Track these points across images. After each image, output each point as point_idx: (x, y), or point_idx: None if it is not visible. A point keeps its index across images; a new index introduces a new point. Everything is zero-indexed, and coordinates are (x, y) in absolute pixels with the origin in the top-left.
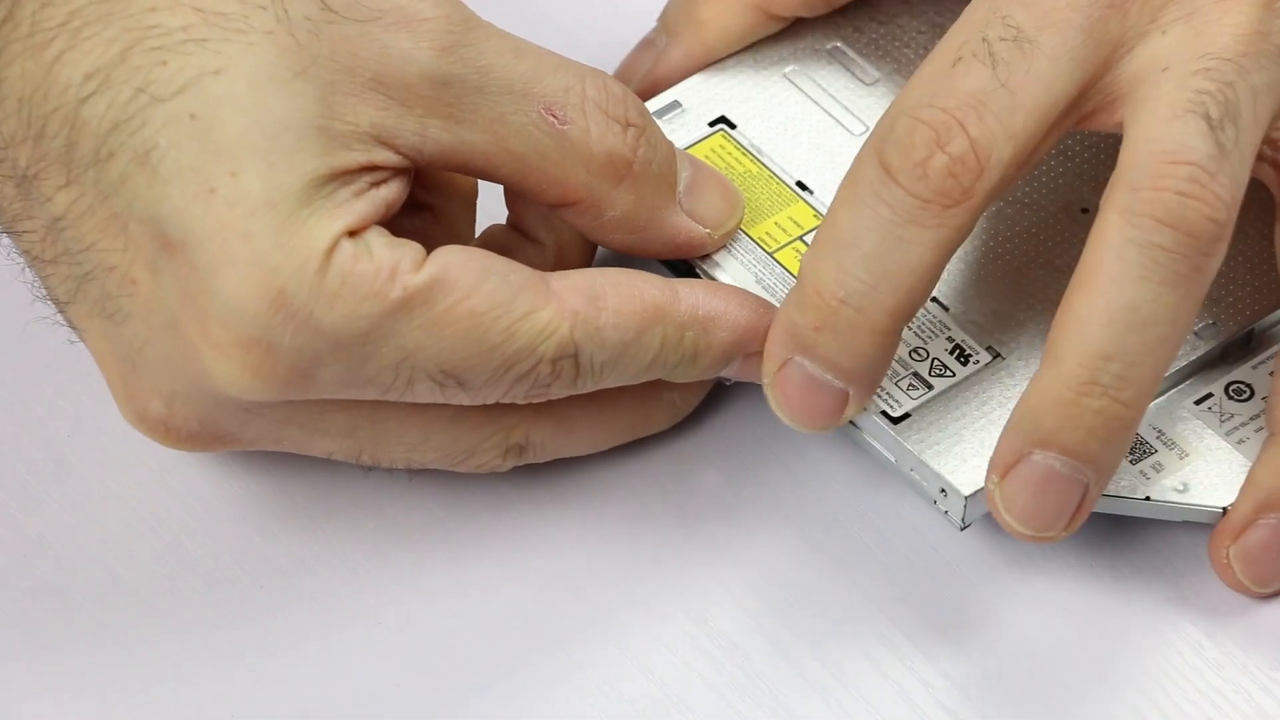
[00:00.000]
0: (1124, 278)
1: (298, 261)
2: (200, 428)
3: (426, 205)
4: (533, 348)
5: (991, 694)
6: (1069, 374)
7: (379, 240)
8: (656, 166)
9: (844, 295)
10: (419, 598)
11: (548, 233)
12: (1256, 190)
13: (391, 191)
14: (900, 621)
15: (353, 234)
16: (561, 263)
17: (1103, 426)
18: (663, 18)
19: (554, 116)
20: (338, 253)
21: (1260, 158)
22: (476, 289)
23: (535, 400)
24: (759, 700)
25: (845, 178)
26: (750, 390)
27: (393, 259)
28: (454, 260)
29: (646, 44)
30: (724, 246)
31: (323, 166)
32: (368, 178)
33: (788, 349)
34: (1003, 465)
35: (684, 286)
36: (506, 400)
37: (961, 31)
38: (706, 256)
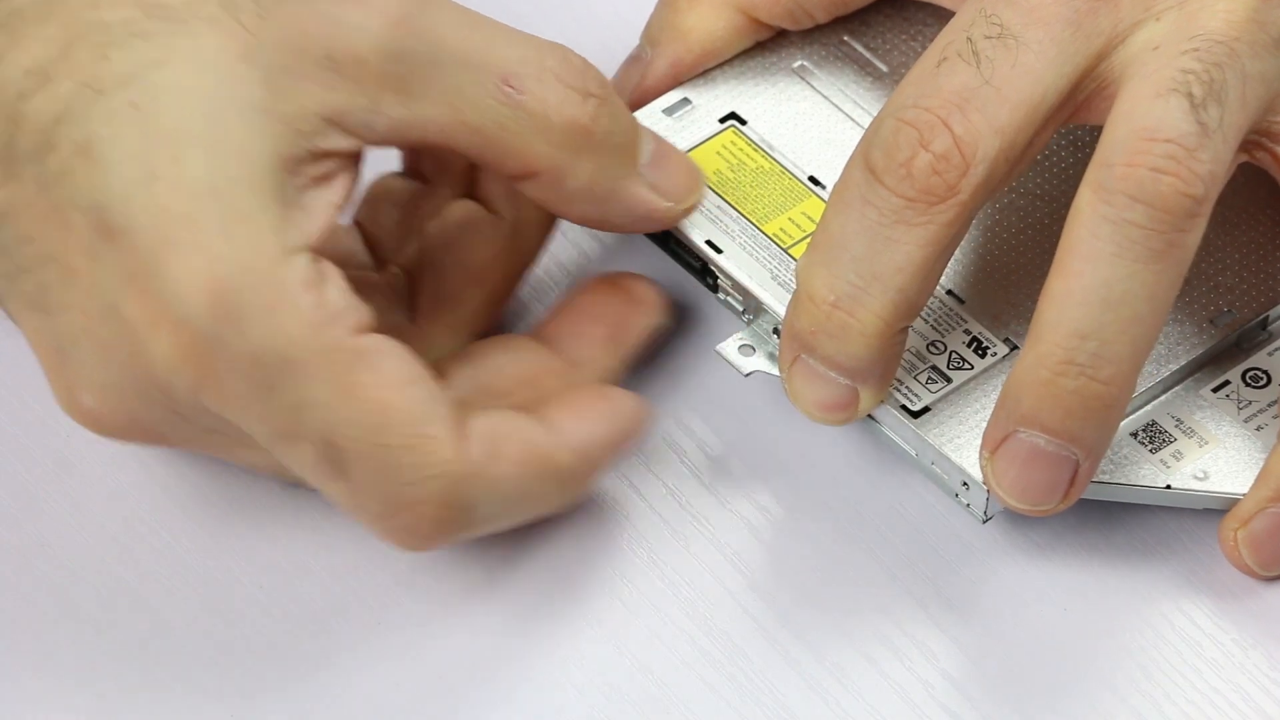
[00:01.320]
0: (1098, 255)
1: (244, 257)
2: (129, 423)
3: (419, 176)
4: (421, 474)
5: (991, 694)
6: (1046, 353)
7: (336, 284)
8: (618, 137)
9: (835, 299)
10: (418, 597)
11: (508, 207)
12: (1271, 177)
13: (336, 194)
14: (901, 622)
15: (313, 255)
16: (519, 237)
17: (1080, 406)
18: (646, 30)
19: (511, 87)
20: (291, 267)
21: (1260, 148)
22: (400, 386)
23: (416, 548)
24: (759, 700)
25: (836, 182)
26: (754, 391)
27: (338, 306)
28: (392, 350)
29: (633, 59)
30: (689, 215)
31: (268, 151)
32: (312, 170)
33: (793, 349)
34: (992, 441)
35: (563, 420)
36: (378, 529)
37: (948, 33)
38: (720, 251)
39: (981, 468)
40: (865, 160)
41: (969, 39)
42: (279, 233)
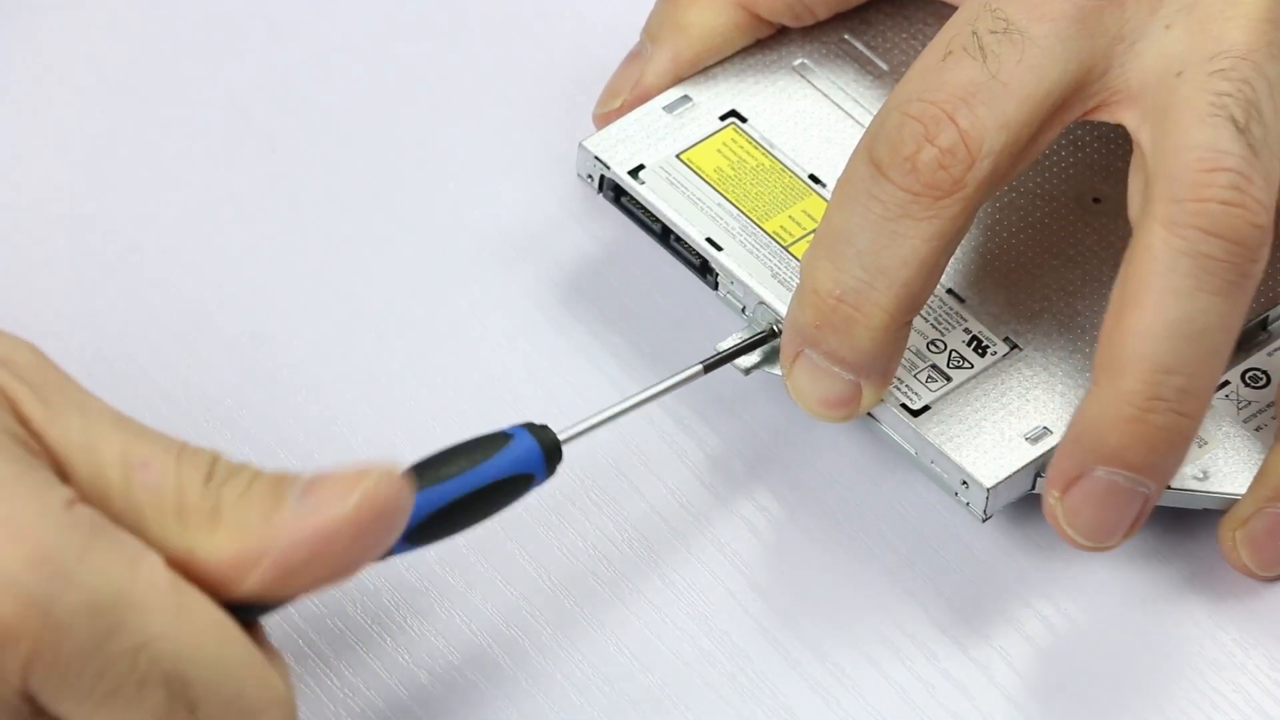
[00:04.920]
0: (1178, 290)
1: (33, 512)
2: None
3: None
4: (264, 703)
5: (992, 695)
6: (1132, 390)
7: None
8: None
9: (840, 293)
10: (419, 598)
11: None
12: None
13: None
14: (901, 622)
15: (84, 503)
16: None
17: (1165, 441)
18: (647, 27)
19: None
20: (79, 514)
21: None
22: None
23: None
24: (759, 700)
25: (840, 176)
26: (755, 392)
27: (136, 544)
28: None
29: (633, 56)
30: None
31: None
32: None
33: (797, 343)
34: (1064, 480)
35: None
36: None
37: (952, 26)
38: (720, 249)
39: (1049, 507)
40: (870, 154)
41: (974, 33)
42: (52, 486)
